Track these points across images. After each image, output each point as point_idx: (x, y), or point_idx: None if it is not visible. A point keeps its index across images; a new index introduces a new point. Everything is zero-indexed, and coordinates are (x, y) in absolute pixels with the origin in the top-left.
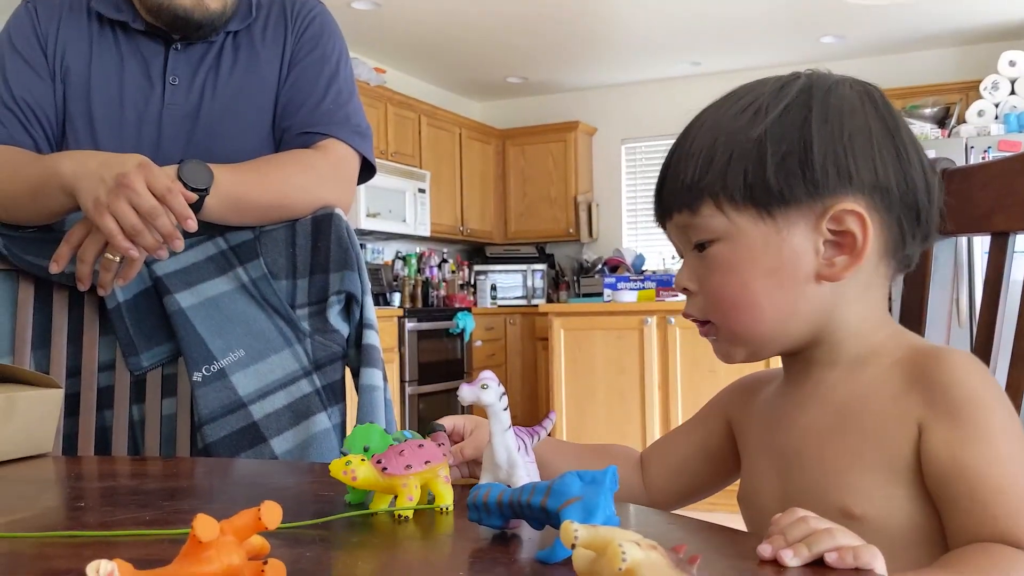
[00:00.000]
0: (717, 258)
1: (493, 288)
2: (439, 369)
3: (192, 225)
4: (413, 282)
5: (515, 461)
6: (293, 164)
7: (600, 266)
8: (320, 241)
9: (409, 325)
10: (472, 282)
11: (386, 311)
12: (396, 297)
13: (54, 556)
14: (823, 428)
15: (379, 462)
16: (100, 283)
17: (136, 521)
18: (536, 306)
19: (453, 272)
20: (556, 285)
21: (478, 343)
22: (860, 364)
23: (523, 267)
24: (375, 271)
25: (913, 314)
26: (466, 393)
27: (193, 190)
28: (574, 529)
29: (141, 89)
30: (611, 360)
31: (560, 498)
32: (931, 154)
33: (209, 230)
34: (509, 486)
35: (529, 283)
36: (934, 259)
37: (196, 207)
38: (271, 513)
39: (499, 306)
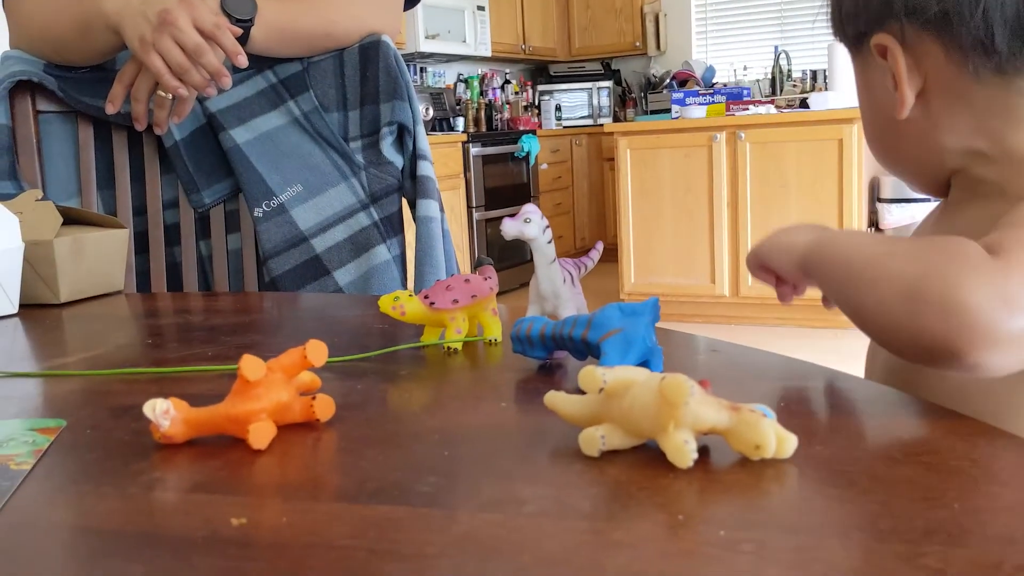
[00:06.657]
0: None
1: (558, 108)
2: (505, 194)
3: (243, 61)
4: (476, 105)
5: (560, 293)
6: None
7: (669, 80)
8: (368, 70)
9: (474, 150)
10: (536, 103)
11: (450, 136)
12: (460, 122)
13: (120, 392)
14: None
15: (426, 297)
16: (155, 121)
17: (199, 357)
18: (602, 126)
19: (516, 93)
20: (623, 103)
21: (544, 166)
22: (997, 198)
23: (588, 85)
24: (437, 95)
25: None
26: (509, 227)
27: (237, 22)
28: (601, 375)
29: None
30: (679, 179)
31: (600, 330)
32: None
33: (257, 63)
34: (555, 318)
35: (595, 102)
36: None
37: (242, 40)
38: (316, 351)
39: (564, 127)
